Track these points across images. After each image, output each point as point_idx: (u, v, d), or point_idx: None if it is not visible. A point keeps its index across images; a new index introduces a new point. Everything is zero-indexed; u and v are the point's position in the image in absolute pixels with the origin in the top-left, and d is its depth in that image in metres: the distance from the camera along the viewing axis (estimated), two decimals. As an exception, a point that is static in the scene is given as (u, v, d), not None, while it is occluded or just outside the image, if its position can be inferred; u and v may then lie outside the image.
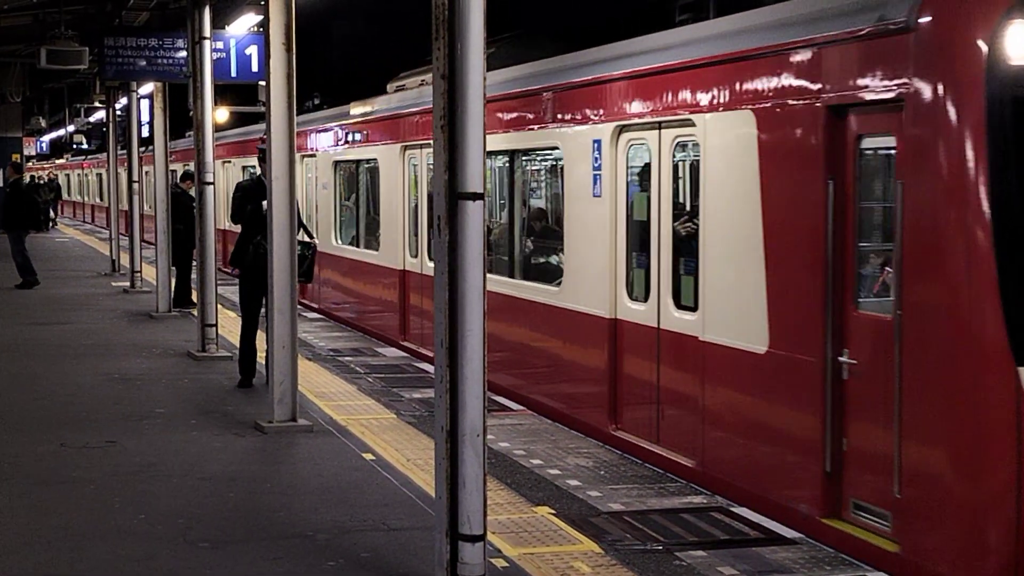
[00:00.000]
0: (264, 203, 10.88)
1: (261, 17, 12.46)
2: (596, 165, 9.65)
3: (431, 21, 5.67)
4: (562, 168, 10.56)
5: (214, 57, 13.79)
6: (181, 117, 18.71)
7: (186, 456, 8.75)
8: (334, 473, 8.27)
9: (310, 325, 16.58)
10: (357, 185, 17.22)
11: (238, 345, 11.71)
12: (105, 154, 29.20)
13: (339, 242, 17.62)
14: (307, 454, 8.89)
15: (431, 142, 11.75)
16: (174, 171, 23.06)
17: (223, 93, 24.10)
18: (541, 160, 12.04)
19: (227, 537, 6.86)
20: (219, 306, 13.94)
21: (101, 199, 43.62)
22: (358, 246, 16.97)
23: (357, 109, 16.81)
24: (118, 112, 25.91)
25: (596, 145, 9.64)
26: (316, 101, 22.96)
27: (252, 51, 15.38)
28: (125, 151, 23.69)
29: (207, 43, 13.22)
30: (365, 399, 11.02)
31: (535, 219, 12.03)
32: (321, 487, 7.92)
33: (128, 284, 21.12)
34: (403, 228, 14.66)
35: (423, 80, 14.42)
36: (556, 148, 10.66)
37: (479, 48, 5.60)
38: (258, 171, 11.54)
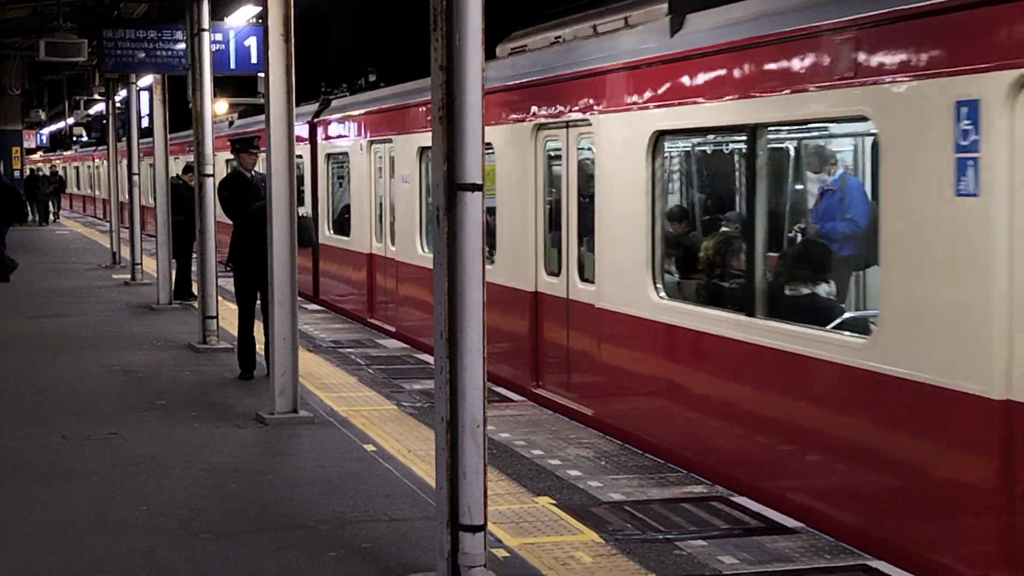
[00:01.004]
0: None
1: (260, 8, 12.44)
2: (965, 144, 5.91)
3: (429, 12, 5.68)
4: (874, 148, 7.11)
5: (213, 49, 13.78)
6: (182, 109, 18.70)
7: (187, 448, 8.77)
8: (335, 464, 8.29)
9: (311, 317, 16.59)
10: None
11: (236, 336, 11.72)
12: (106, 146, 28.02)
13: (426, 250, 13.61)
14: (308, 445, 8.90)
15: (590, 118, 9.58)
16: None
17: (222, 85, 24.02)
18: (816, 137, 8.92)
19: (229, 528, 6.88)
20: (220, 298, 13.96)
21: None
22: None
23: None
24: (118, 104, 25.90)
25: (964, 110, 5.89)
26: (372, 78, 20.23)
27: (251, 42, 15.35)
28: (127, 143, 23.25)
29: (206, 35, 13.21)
30: (366, 390, 11.03)
31: (799, 228, 8.80)
32: (322, 478, 7.93)
33: (129, 276, 21.15)
34: (534, 238, 10.71)
35: (557, 36, 10.85)
36: (861, 118, 7.08)
37: (477, 39, 5.60)
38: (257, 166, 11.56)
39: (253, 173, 11.48)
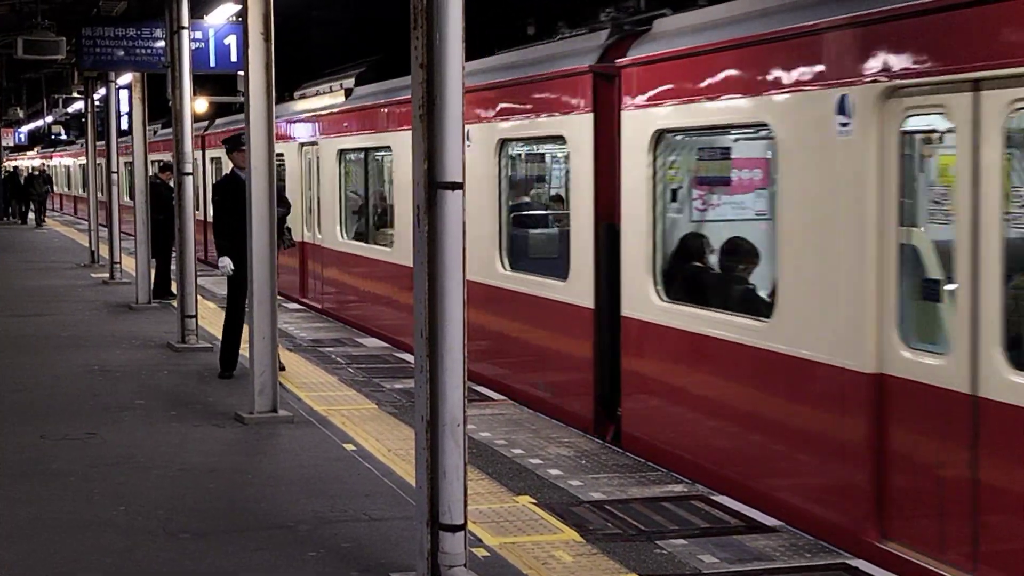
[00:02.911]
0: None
1: (239, 6, 12.41)
2: None
3: (409, 11, 5.67)
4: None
5: (192, 47, 13.72)
6: (162, 107, 18.59)
7: (166, 447, 8.74)
8: (315, 464, 8.26)
9: (291, 316, 16.54)
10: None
11: (221, 335, 11.62)
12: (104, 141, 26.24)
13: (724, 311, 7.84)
14: (288, 445, 8.88)
15: None
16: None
17: (202, 83, 23.96)
18: None
19: (208, 528, 6.85)
20: (199, 297, 13.91)
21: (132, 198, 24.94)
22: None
23: None
24: (96, 103, 25.76)
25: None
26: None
27: (231, 41, 15.30)
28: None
29: (185, 33, 13.16)
30: (346, 389, 11.00)
31: None
32: (302, 478, 7.91)
33: (107, 275, 21.06)
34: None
35: None
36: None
37: (458, 37, 5.60)
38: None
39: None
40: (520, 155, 11.77)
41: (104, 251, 22.74)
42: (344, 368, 12.24)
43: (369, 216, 16.15)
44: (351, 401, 10.46)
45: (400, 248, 13.48)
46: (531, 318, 10.41)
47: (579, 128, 9.48)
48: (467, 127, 10.90)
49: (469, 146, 10.88)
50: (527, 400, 9.81)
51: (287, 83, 19.64)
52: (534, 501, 7.44)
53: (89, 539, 6.64)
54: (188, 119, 13.31)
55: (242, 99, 10.46)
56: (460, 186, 5.64)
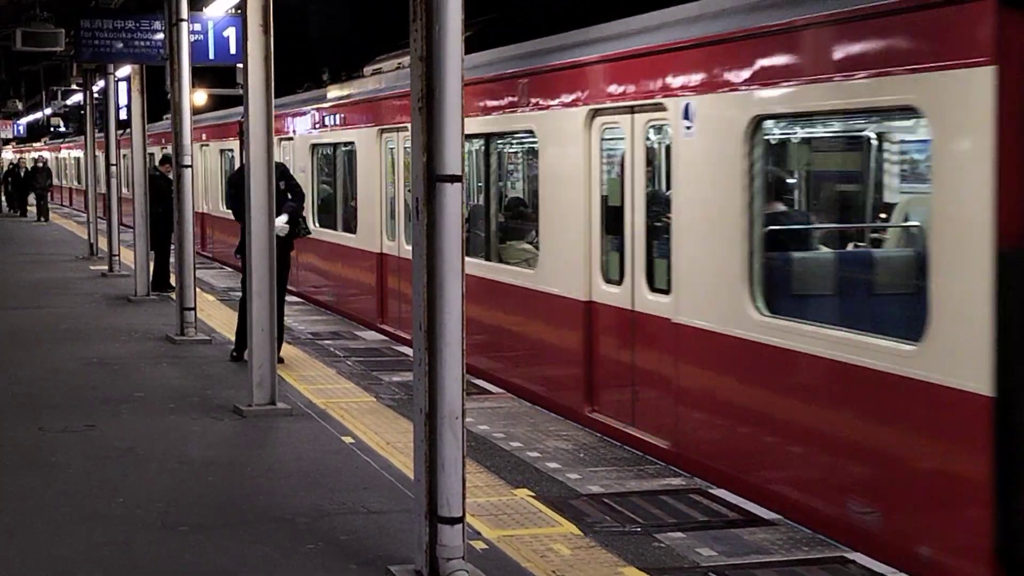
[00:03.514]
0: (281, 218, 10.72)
1: (239, -1, 12.40)
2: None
3: (408, 3, 5.67)
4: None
5: (191, 39, 13.70)
6: (161, 100, 18.55)
7: (165, 440, 8.73)
8: (313, 456, 8.26)
9: (289, 308, 16.52)
10: None
11: (237, 321, 11.58)
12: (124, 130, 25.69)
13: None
14: (286, 438, 8.88)
15: None
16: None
17: (201, 75, 23.95)
18: None
19: (206, 521, 6.85)
20: (198, 289, 13.89)
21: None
22: None
23: None
24: (95, 95, 25.74)
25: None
26: None
27: (230, 33, 15.27)
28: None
29: (184, 25, 13.12)
30: (344, 382, 11.00)
31: None
32: (300, 470, 7.91)
33: (106, 268, 21.05)
34: None
35: None
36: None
37: (457, 30, 5.59)
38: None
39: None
40: (794, 138, 8.07)
41: (103, 244, 22.73)
42: (343, 361, 12.24)
43: (490, 224, 11.93)
44: (350, 394, 10.46)
45: (550, 271, 9.89)
46: (834, 398, 6.67)
47: (959, 91, 5.82)
48: (687, 101, 7.65)
49: (689, 128, 7.91)
50: (841, 538, 6.45)
51: (356, 60, 18.53)
52: (532, 494, 7.44)
53: (87, 532, 6.63)
54: (187, 112, 13.28)
55: (241, 91, 10.43)
56: (459, 179, 5.64)
